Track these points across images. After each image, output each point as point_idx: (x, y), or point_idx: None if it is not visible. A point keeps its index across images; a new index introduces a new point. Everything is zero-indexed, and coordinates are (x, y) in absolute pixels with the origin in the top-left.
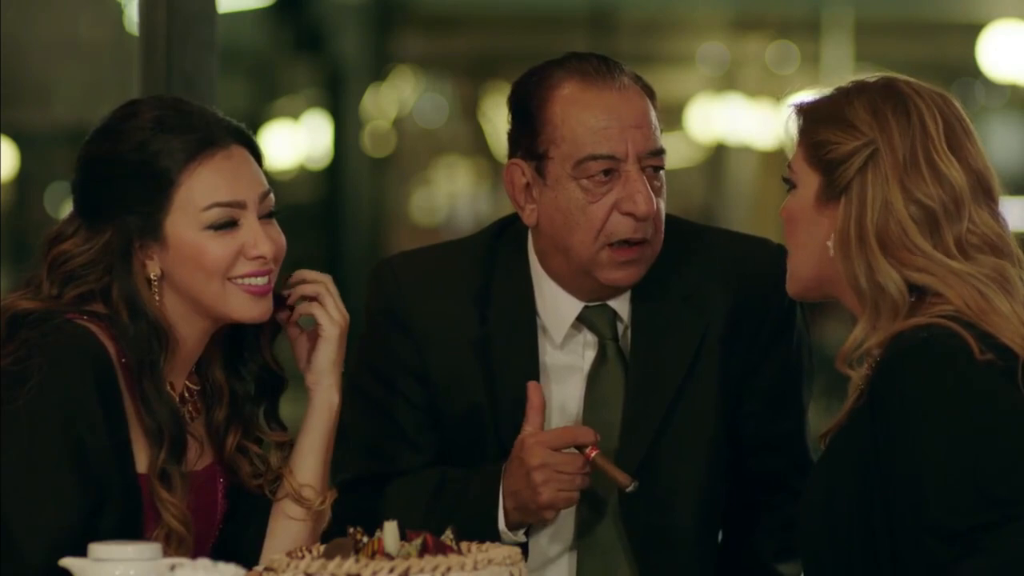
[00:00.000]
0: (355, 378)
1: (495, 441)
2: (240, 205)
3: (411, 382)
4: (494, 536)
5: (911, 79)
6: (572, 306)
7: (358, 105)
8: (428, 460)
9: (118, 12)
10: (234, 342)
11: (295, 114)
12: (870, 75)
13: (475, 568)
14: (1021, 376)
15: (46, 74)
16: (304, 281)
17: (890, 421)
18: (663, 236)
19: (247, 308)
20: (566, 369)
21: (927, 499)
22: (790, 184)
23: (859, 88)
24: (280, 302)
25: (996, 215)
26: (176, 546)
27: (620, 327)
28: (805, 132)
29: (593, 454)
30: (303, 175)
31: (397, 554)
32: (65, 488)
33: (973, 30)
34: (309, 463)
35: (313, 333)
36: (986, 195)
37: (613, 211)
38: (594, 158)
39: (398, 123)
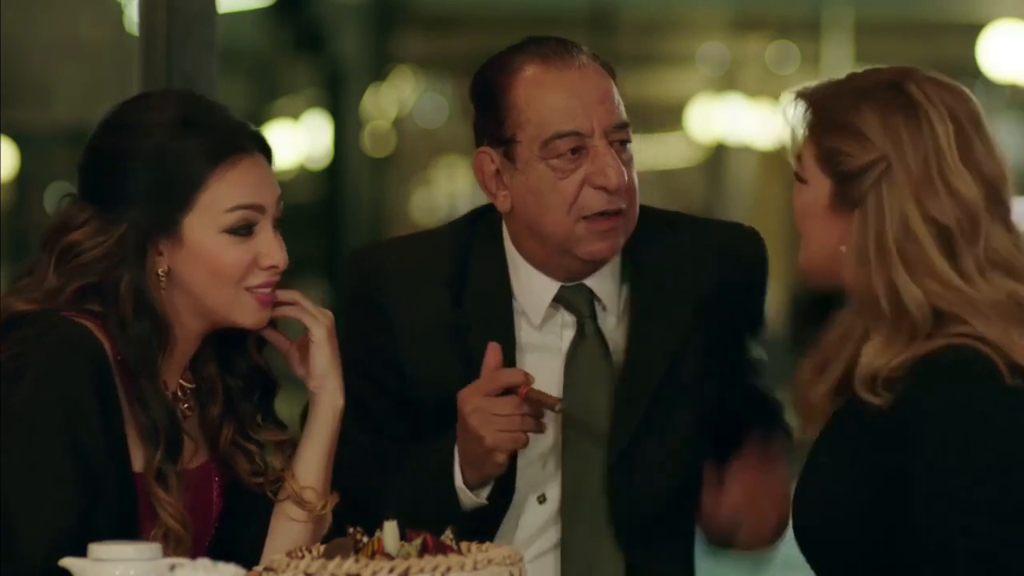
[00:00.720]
0: None
1: None
2: (260, 209)
3: (383, 369)
4: (453, 499)
5: (921, 74)
6: (549, 287)
7: (358, 105)
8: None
9: (118, 12)
10: (224, 341)
11: (295, 114)
12: (879, 69)
13: (475, 568)
14: None
15: (46, 74)
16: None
17: (921, 446)
18: (638, 210)
19: (253, 316)
20: (544, 349)
21: (949, 528)
22: (800, 179)
23: (867, 91)
24: None
25: (1009, 226)
26: (174, 546)
27: (598, 307)
28: (814, 131)
29: (525, 391)
30: (303, 175)
31: (397, 554)
32: (63, 486)
33: (973, 30)
34: (312, 467)
35: (303, 341)
36: (999, 204)
37: (584, 186)
38: (560, 136)
39: (398, 123)
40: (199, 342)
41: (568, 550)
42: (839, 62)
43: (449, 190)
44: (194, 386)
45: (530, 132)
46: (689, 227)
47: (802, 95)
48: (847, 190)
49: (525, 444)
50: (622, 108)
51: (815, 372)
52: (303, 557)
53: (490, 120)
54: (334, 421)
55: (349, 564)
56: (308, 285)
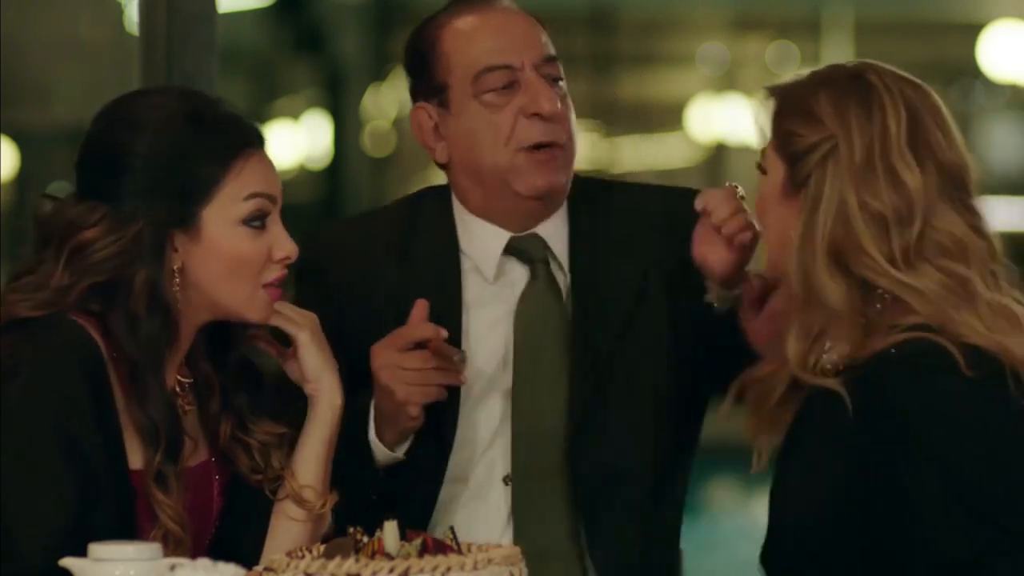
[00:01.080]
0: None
1: None
2: (273, 200)
3: (328, 337)
4: (367, 453)
5: (884, 67)
6: (499, 236)
7: (358, 105)
8: None
9: (118, 12)
10: (211, 336)
11: (295, 114)
12: (849, 62)
13: (475, 568)
14: (1012, 384)
15: (46, 74)
16: None
17: (885, 444)
18: (576, 148)
19: (265, 311)
20: (495, 304)
21: (924, 528)
22: (762, 170)
23: (828, 78)
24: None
25: (967, 210)
26: (173, 547)
27: (549, 254)
28: (775, 119)
29: (435, 345)
30: (303, 175)
31: (397, 554)
32: (59, 485)
33: (973, 30)
34: (311, 465)
35: (294, 348)
36: (958, 190)
37: (519, 117)
38: (491, 69)
39: (398, 123)
40: (194, 338)
41: (518, 491)
42: (839, 62)
43: None
44: (191, 381)
45: (460, 73)
46: (637, 191)
47: (770, 89)
48: (796, 171)
49: (437, 396)
50: (551, 46)
51: (766, 374)
52: (303, 557)
53: (422, 75)
54: (333, 419)
55: (349, 564)
56: None
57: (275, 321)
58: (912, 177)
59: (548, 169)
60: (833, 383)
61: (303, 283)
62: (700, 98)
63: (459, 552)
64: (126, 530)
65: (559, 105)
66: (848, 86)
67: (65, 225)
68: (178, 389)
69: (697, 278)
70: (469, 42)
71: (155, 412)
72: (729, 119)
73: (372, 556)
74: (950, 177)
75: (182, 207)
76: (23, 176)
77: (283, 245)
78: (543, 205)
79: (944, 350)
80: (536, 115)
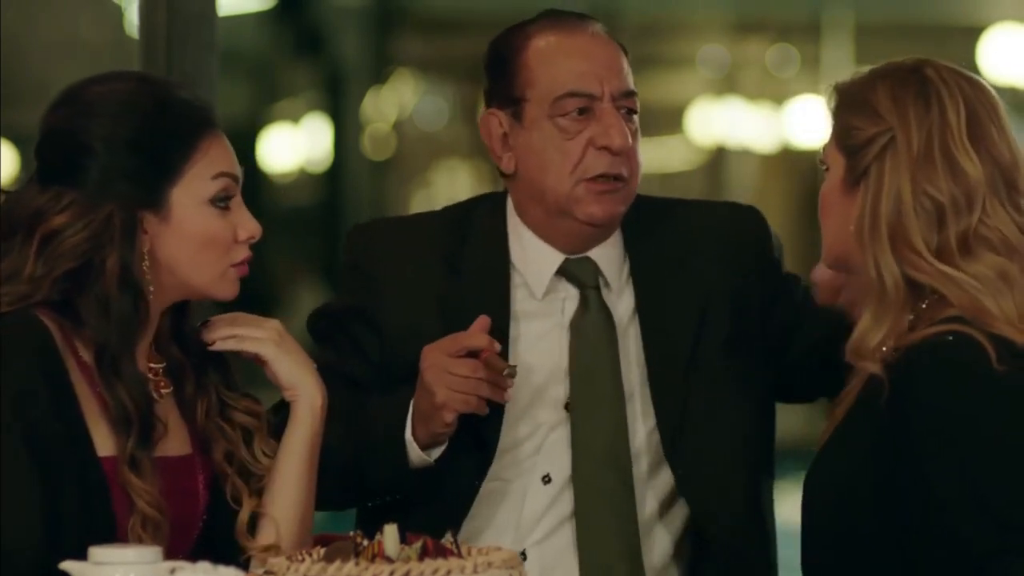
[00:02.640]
0: (313, 321)
1: None
2: (236, 180)
3: (362, 328)
4: (401, 452)
5: (942, 63)
6: (553, 258)
7: (358, 108)
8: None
9: (118, 13)
10: (173, 315)
11: (295, 117)
12: (907, 58)
13: (475, 571)
14: None
15: (46, 75)
16: (214, 343)
17: (911, 434)
18: (638, 182)
19: (230, 291)
20: (544, 317)
21: (943, 519)
22: (824, 166)
23: (887, 72)
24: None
25: (1016, 210)
26: (152, 532)
27: (600, 281)
28: (836, 114)
29: (486, 355)
30: (303, 178)
31: (397, 557)
32: (24, 475)
33: (973, 33)
34: (294, 466)
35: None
36: (1009, 188)
37: (588, 147)
38: (572, 95)
39: (398, 126)
40: (159, 321)
41: (583, 526)
42: (839, 65)
43: (449, 193)
44: (163, 365)
45: (540, 90)
46: (688, 209)
47: (833, 86)
48: (855, 164)
49: (476, 408)
50: (631, 78)
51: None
52: (303, 560)
53: (500, 82)
54: (315, 420)
55: (349, 568)
56: (308, 288)
57: (235, 346)
58: (972, 167)
59: (608, 200)
60: (875, 367)
61: (352, 279)
62: (700, 101)
63: (459, 556)
64: (102, 517)
65: (630, 140)
66: (905, 79)
67: (32, 213)
68: (151, 375)
69: (754, 293)
70: (554, 62)
71: (126, 396)
72: (729, 122)
73: (372, 559)
74: (1003, 175)
75: (151, 188)
76: (23, 177)
77: (246, 225)
78: (599, 232)
79: (977, 343)
80: (605, 148)
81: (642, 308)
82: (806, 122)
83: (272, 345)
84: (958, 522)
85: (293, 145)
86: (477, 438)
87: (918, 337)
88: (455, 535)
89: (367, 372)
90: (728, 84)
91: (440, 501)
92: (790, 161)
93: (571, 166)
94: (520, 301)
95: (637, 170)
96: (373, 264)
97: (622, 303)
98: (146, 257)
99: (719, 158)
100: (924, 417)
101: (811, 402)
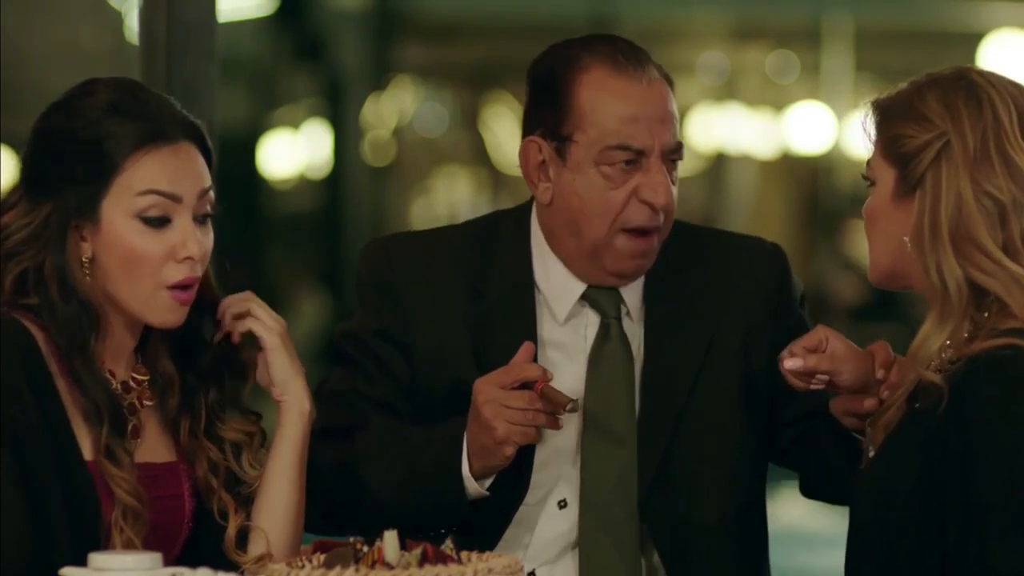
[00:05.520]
0: (338, 343)
1: None
2: (176, 199)
3: (390, 349)
4: (458, 487)
5: (987, 70)
6: (577, 284)
7: (358, 114)
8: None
9: (118, 21)
10: (183, 337)
11: (295, 123)
12: (944, 69)
13: None
14: None
15: (46, 83)
16: (229, 306)
17: (960, 447)
18: (672, 223)
19: (167, 316)
20: (566, 345)
21: (982, 534)
22: (870, 181)
23: (932, 81)
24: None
25: None
26: (132, 522)
27: (623, 310)
28: (880, 127)
29: (541, 386)
30: (303, 184)
31: (397, 563)
32: (8, 477)
33: (973, 39)
34: (283, 473)
35: (263, 354)
36: None
37: (632, 197)
38: (622, 148)
39: (398, 132)
40: (139, 333)
41: (586, 553)
42: (839, 71)
43: (449, 199)
44: (148, 378)
45: (591, 136)
46: (712, 243)
47: (871, 103)
48: (908, 173)
49: (535, 439)
50: (679, 127)
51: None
52: (303, 567)
53: (547, 112)
54: (303, 425)
55: (349, 574)
56: (309, 294)
57: (248, 324)
58: None
59: (640, 254)
60: (935, 376)
61: (377, 299)
62: (700, 107)
63: (459, 562)
64: (90, 521)
65: (673, 197)
66: (954, 85)
67: None
68: (132, 384)
69: (764, 335)
70: (608, 108)
71: (92, 392)
72: (729, 128)
73: (372, 566)
74: None
75: (83, 194)
76: None
77: (187, 245)
78: (623, 283)
79: None
80: (648, 203)
81: (648, 346)
82: (805, 128)
83: (277, 336)
84: (991, 537)
85: (293, 152)
86: (513, 464)
87: (977, 348)
88: (454, 542)
89: (397, 395)
90: (728, 90)
91: (478, 526)
92: (790, 167)
93: (612, 215)
94: (543, 323)
95: (671, 218)
96: (398, 284)
97: (637, 334)
98: (86, 265)
99: (719, 164)
100: (975, 432)
101: (795, 471)
